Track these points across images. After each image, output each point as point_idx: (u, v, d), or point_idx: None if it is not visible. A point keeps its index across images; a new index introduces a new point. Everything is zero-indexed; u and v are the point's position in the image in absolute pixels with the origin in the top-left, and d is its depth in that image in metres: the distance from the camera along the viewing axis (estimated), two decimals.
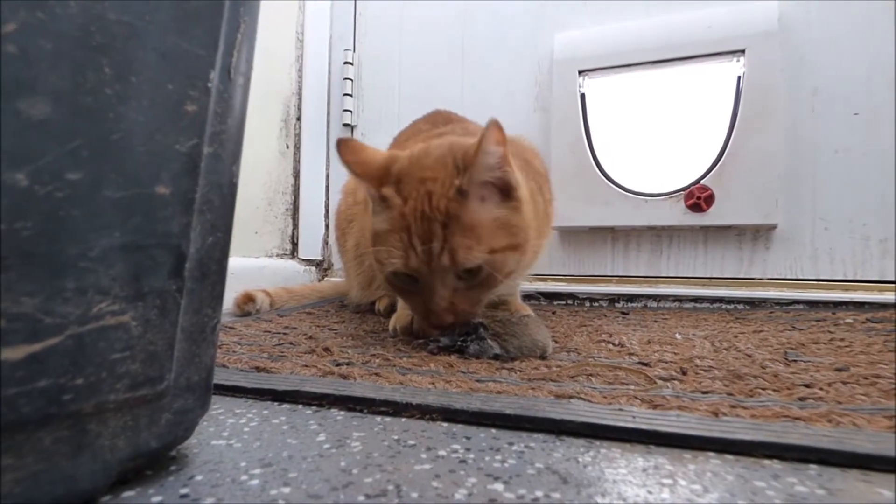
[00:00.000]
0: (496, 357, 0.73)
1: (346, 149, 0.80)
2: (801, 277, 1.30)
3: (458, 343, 0.76)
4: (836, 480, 0.38)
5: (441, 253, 0.72)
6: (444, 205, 0.73)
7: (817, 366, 0.67)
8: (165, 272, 0.36)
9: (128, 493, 0.36)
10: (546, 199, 1.00)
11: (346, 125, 1.77)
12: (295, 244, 1.73)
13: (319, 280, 1.73)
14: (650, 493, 0.36)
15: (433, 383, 0.60)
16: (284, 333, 0.95)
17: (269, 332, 0.97)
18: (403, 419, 0.53)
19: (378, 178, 0.79)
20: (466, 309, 0.77)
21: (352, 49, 1.78)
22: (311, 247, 1.74)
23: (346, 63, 1.77)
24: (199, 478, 0.39)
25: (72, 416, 0.32)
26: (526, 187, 0.83)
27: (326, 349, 0.79)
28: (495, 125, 0.71)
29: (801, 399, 0.53)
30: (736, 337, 0.89)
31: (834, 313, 1.13)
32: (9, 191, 0.28)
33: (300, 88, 1.75)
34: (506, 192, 0.77)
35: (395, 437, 0.47)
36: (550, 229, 1.09)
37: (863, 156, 1.25)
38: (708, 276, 1.37)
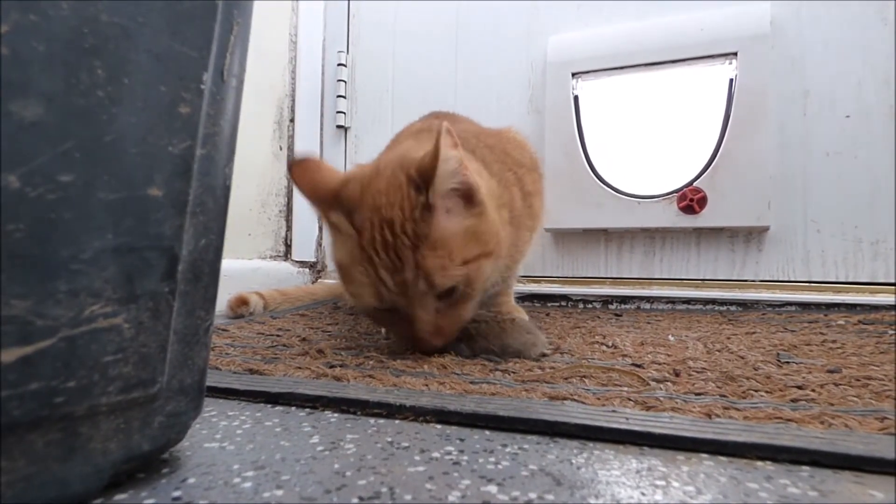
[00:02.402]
0: (486, 357, 0.73)
1: (298, 169, 0.77)
2: (793, 279, 1.30)
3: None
4: (829, 482, 0.38)
5: (416, 279, 0.69)
6: (410, 227, 0.69)
7: (809, 367, 0.67)
8: (158, 274, 0.36)
9: (120, 496, 0.36)
10: (527, 191, 0.95)
11: (339, 127, 1.77)
12: (288, 246, 1.72)
13: (313, 282, 1.72)
14: (643, 494, 0.36)
15: (427, 385, 0.60)
16: (278, 335, 0.95)
17: (263, 334, 0.97)
18: (397, 421, 0.53)
19: (327, 203, 0.75)
20: (452, 327, 0.75)
21: (345, 51, 1.78)
22: (304, 249, 1.74)
23: (339, 65, 1.77)
24: (191, 480, 0.39)
25: (64, 418, 0.32)
26: (485, 185, 0.79)
27: (320, 351, 0.79)
28: (447, 130, 0.68)
29: (793, 401, 0.54)
30: (728, 339, 0.89)
31: (826, 315, 1.14)
32: (1, 193, 0.27)
33: (293, 90, 1.75)
34: (468, 197, 0.73)
35: (389, 439, 0.47)
36: (538, 223, 1.04)
37: (854, 158, 1.26)
38: (701, 277, 1.38)
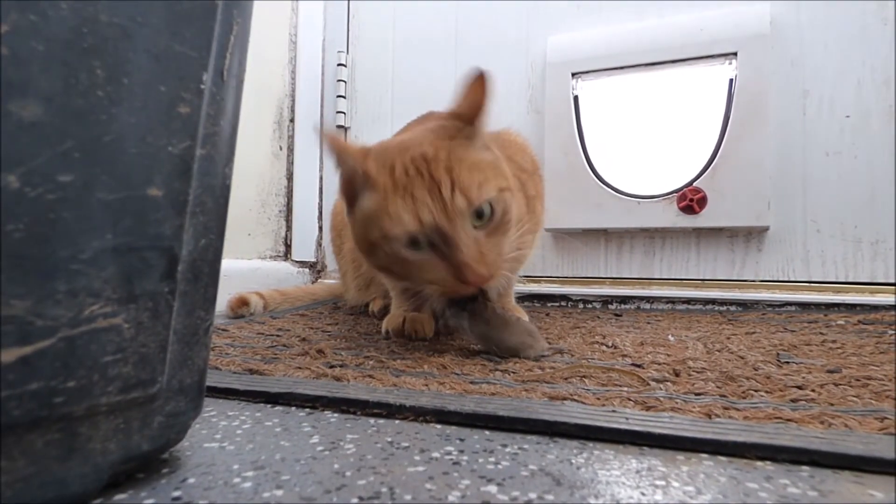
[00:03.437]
0: (486, 356, 0.74)
1: (329, 135, 0.77)
2: (793, 279, 1.30)
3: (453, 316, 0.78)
4: (828, 482, 0.38)
5: (453, 194, 0.68)
6: (445, 154, 0.72)
7: (809, 367, 0.67)
8: (158, 274, 0.36)
9: (119, 497, 0.36)
10: (529, 195, 0.97)
11: (339, 126, 1.77)
12: (288, 246, 1.72)
13: (313, 282, 1.72)
14: (643, 494, 0.36)
15: (427, 385, 0.60)
16: (278, 335, 0.95)
17: (262, 334, 0.97)
18: (397, 421, 0.53)
19: (361, 155, 0.75)
20: (495, 257, 0.73)
21: (345, 51, 1.78)
22: (304, 248, 1.74)
23: (339, 65, 1.77)
24: (191, 480, 0.39)
25: (63, 418, 0.32)
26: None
27: (320, 351, 0.79)
28: (482, 76, 0.75)
29: (793, 401, 0.54)
30: (728, 339, 0.89)
31: (826, 315, 1.14)
32: (0, 193, 0.28)
33: (293, 90, 1.75)
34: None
35: (389, 439, 0.47)
36: (539, 225, 1.06)
37: (854, 158, 1.26)
38: (700, 277, 1.38)
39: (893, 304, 1.14)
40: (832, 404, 0.52)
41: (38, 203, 0.29)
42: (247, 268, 1.49)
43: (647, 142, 1.40)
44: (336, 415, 0.55)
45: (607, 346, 0.83)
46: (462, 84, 0.78)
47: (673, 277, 1.40)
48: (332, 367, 0.70)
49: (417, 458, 0.43)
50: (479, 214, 0.71)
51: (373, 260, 0.78)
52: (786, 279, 1.31)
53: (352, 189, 0.76)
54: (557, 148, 1.44)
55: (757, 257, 1.34)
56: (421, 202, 0.68)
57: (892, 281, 1.22)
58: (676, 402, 0.53)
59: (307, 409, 0.56)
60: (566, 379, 0.63)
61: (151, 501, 0.35)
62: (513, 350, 0.74)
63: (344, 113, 1.77)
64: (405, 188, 0.70)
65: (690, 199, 1.31)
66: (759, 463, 0.42)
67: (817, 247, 1.29)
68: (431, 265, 0.71)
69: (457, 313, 0.78)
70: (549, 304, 1.45)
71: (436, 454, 0.44)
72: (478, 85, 0.76)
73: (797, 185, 1.30)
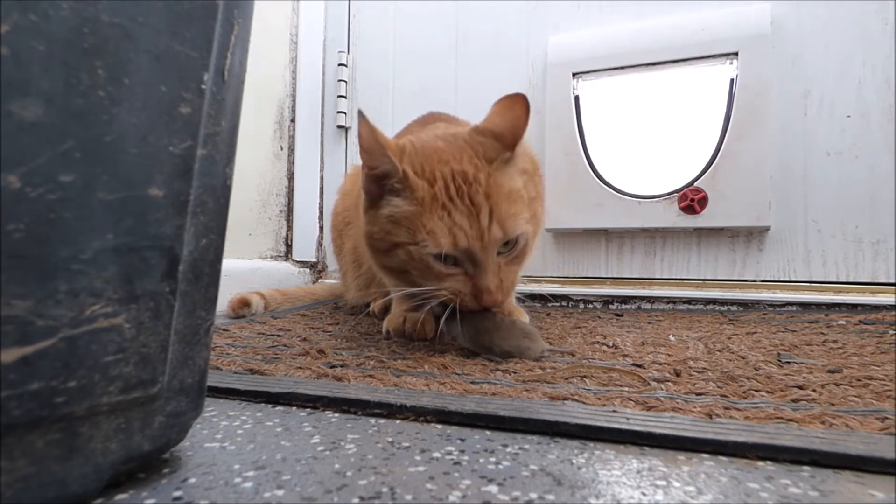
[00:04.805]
0: (487, 357, 0.73)
1: (371, 126, 0.74)
2: (793, 279, 1.30)
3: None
4: (829, 482, 0.38)
5: (490, 224, 0.71)
6: (486, 177, 0.72)
7: (810, 367, 0.67)
8: (158, 274, 0.36)
9: (120, 496, 0.36)
10: (531, 196, 0.97)
11: (340, 127, 1.77)
12: (289, 246, 1.73)
13: (313, 282, 1.72)
14: (644, 494, 0.36)
15: (427, 385, 0.60)
16: (278, 335, 0.95)
17: (263, 334, 0.97)
18: (398, 421, 0.53)
19: (398, 153, 0.75)
20: (509, 285, 0.77)
21: (346, 51, 1.78)
22: (305, 249, 1.74)
23: (340, 65, 1.77)
24: (192, 480, 0.39)
25: (64, 418, 0.32)
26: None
27: (321, 351, 0.79)
28: (524, 98, 0.75)
29: (794, 401, 0.54)
30: (729, 339, 0.89)
31: (827, 315, 1.13)
32: (1, 193, 0.27)
33: (294, 90, 1.75)
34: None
35: (390, 439, 0.47)
36: (539, 227, 1.06)
37: (855, 158, 1.25)
38: (701, 277, 1.38)
39: (894, 304, 1.14)
40: (833, 404, 0.52)
41: (39, 203, 0.29)
42: (247, 268, 1.49)
43: (647, 142, 1.40)
44: (337, 415, 0.55)
45: (608, 346, 0.83)
46: (500, 102, 0.78)
47: (674, 277, 1.40)
48: (332, 367, 0.70)
49: (418, 458, 0.43)
50: (506, 243, 0.74)
51: (387, 260, 0.78)
52: (787, 279, 1.31)
53: (380, 185, 0.76)
54: (558, 148, 1.44)
55: (758, 257, 1.34)
56: (459, 226, 0.71)
57: (893, 281, 1.22)
58: (677, 403, 0.53)
59: (308, 409, 0.56)
60: (567, 379, 0.63)
61: (152, 501, 0.35)
62: (509, 354, 0.74)
63: (345, 113, 1.77)
64: (444, 207, 0.72)
65: (691, 199, 1.31)
66: (760, 463, 0.42)
67: (818, 247, 1.29)
68: (453, 279, 0.75)
69: (450, 320, 0.78)
70: (549, 304, 1.45)
71: (436, 454, 0.44)
72: (519, 107, 0.76)
73: (798, 185, 1.30)
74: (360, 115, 0.72)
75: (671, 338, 0.90)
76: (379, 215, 0.77)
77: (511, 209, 0.73)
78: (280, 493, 0.37)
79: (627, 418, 0.49)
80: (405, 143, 0.78)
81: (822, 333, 0.93)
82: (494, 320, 0.78)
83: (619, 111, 1.43)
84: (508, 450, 0.45)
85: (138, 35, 0.33)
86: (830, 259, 1.28)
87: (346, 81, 1.77)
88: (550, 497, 0.36)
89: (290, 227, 1.73)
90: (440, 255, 0.72)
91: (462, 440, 0.47)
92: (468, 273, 0.74)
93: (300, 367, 0.69)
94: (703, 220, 1.31)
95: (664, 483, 0.38)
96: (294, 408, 0.57)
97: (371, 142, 0.73)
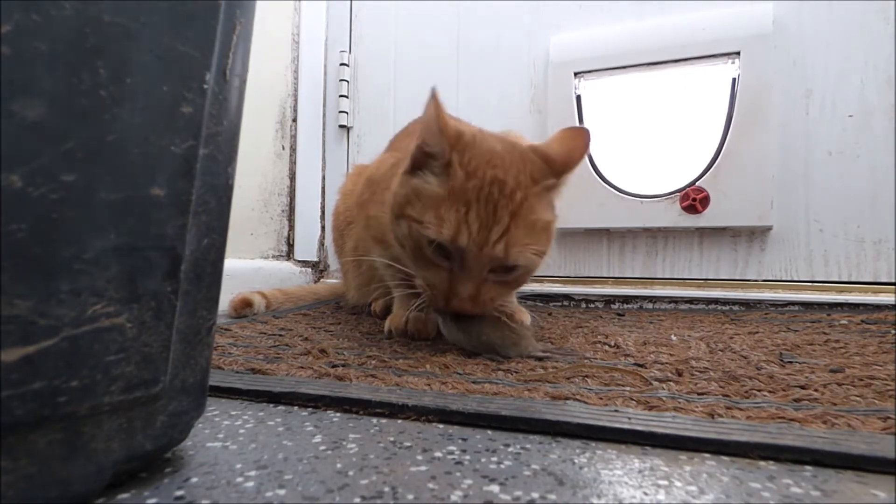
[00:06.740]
0: (489, 357, 0.73)
1: (440, 106, 0.74)
2: (795, 279, 1.30)
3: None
4: (831, 482, 0.38)
5: (498, 241, 0.71)
6: (521, 196, 0.72)
7: (812, 367, 0.67)
8: (160, 274, 0.36)
9: (122, 496, 0.36)
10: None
11: (342, 126, 1.77)
12: (291, 246, 1.73)
13: (315, 282, 1.73)
14: (646, 494, 0.36)
15: (429, 385, 0.60)
16: (280, 335, 0.95)
17: (265, 333, 0.97)
18: (399, 421, 0.53)
19: (454, 139, 0.75)
20: (487, 302, 0.76)
21: (348, 51, 1.78)
22: (306, 248, 1.74)
23: (342, 65, 1.77)
24: (194, 480, 0.39)
25: (66, 418, 0.32)
26: None
27: (322, 351, 0.79)
28: (587, 133, 0.76)
29: (796, 400, 0.53)
30: (731, 338, 0.89)
31: (829, 315, 1.13)
32: (2, 192, 0.28)
33: (296, 90, 1.75)
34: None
35: (392, 439, 0.47)
36: (549, 254, 1.08)
37: (857, 157, 1.25)
38: (703, 277, 1.38)
39: None
40: (835, 404, 0.52)
41: (41, 203, 0.29)
42: (249, 267, 1.49)
43: (649, 141, 1.40)
44: (339, 414, 0.55)
45: (610, 345, 0.83)
46: (564, 130, 0.80)
47: (675, 277, 1.40)
48: (334, 366, 0.70)
49: (420, 457, 0.43)
50: (504, 266, 0.74)
51: (394, 225, 0.80)
52: (789, 279, 1.31)
53: (425, 160, 0.77)
54: None
55: (760, 257, 1.33)
56: (467, 224, 0.71)
57: (895, 280, 1.22)
58: (679, 402, 0.53)
59: (310, 409, 0.56)
60: (569, 379, 0.63)
61: (154, 501, 0.35)
62: (488, 345, 0.75)
63: (346, 112, 1.77)
64: (466, 202, 0.71)
65: (693, 199, 1.31)
66: (762, 463, 0.42)
67: (820, 246, 1.29)
68: (436, 270, 0.75)
69: (444, 321, 0.79)
70: (551, 304, 1.45)
71: (438, 454, 0.44)
72: (580, 139, 0.77)
73: (800, 185, 1.30)
74: (433, 93, 0.72)
75: (673, 337, 0.90)
76: (410, 183, 0.77)
77: (525, 238, 0.72)
78: (282, 492, 0.37)
79: (629, 418, 0.49)
80: (466, 132, 0.77)
81: (824, 333, 0.93)
82: (503, 325, 0.78)
83: (620, 111, 1.43)
84: (510, 449, 0.45)
85: (140, 35, 0.33)
86: (832, 259, 1.28)
87: (347, 81, 1.77)
88: (552, 497, 0.36)
89: (291, 227, 1.73)
90: (434, 242, 0.73)
91: (464, 440, 0.47)
92: (452, 271, 0.74)
93: (302, 367, 0.69)
94: (704, 219, 1.31)
95: (666, 483, 0.38)
96: (296, 407, 0.57)
97: (432, 122, 0.74)
